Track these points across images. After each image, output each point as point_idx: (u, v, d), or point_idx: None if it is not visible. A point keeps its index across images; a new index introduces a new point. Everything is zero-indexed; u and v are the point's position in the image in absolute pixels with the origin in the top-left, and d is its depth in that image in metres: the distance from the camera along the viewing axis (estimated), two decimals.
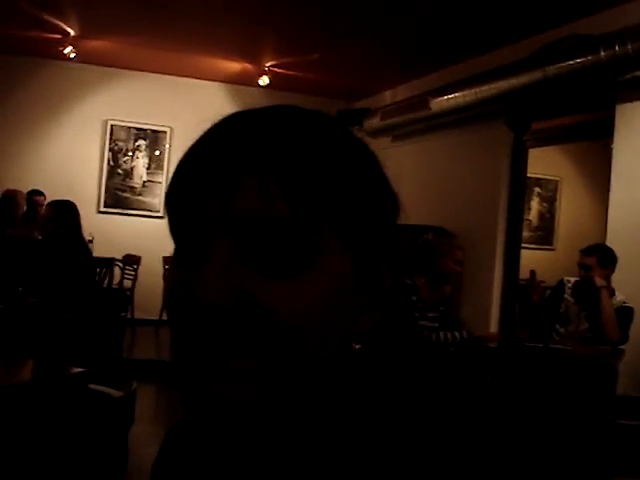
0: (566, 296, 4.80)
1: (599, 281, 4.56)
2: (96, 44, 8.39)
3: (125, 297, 8.41)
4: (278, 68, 8.70)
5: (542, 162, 8.48)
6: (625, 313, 4.60)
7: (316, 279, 0.56)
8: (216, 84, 9.91)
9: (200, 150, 0.59)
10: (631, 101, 5.57)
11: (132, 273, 9.02)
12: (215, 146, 0.58)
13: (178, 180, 0.60)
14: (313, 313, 0.56)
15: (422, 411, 0.63)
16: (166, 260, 8.89)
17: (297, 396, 0.60)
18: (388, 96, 9.30)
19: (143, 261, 9.06)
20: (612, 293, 4.66)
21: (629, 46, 5.05)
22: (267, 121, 0.59)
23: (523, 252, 7.60)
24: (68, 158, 9.47)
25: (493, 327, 6.83)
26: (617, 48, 5.15)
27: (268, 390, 0.57)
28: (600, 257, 4.66)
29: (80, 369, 2.78)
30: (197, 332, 0.56)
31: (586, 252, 4.73)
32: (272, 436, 0.62)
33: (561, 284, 4.87)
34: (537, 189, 9.32)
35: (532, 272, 5.04)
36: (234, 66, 8.97)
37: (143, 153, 9.83)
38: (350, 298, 0.59)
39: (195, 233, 0.57)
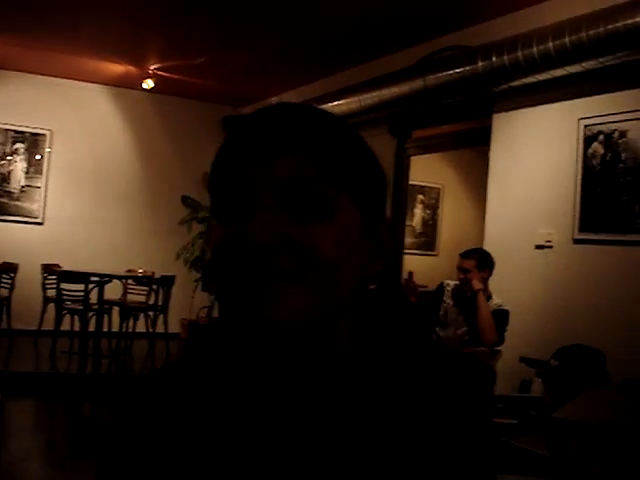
0: (445, 299, 4.89)
1: (476, 284, 4.68)
2: None
3: (0, 306, 8.07)
4: (163, 71, 8.54)
5: (425, 170, 8.69)
6: (501, 316, 4.72)
7: (335, 225, 0.74)
8: (98, 86, 9.63)
9: (242, 132, 0.77)
10: (507, 110, 5.77)
11: (9, 282, 8.64)
12: (257, 129, 0.76)
13: (225, 155, 0.77)
14: (336, 249, 0.74)
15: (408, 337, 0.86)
16: (45, 268, 8.57)
17: (328, 319, 0.76)
18: (274, 103, 9.29)
19: (21, 269, 8.69)
20: (489, 296, 4.79)
21: (505, 57, 5.23)
22: (295, 110, 0.79)
23: (407, 258, 7.75)
24: None
25: None
26: (494, 59, 5.33)
27: (303, 310, 0.72)
28: (478, 260, 4.77)
29: None
30: (245, 267, 0.72)
31: (464, 255, 4.84)
32: (303, 352, 0.77)
33: (441, 287, 4.96)
34: (420, 196, 9.54)
35: (410, 273, 5.11)
36: (117, 68, 8.74)
37: (21, 157, 9.45)
38: (361, 243, 0.78)
39: (242, 194, 0.73)
